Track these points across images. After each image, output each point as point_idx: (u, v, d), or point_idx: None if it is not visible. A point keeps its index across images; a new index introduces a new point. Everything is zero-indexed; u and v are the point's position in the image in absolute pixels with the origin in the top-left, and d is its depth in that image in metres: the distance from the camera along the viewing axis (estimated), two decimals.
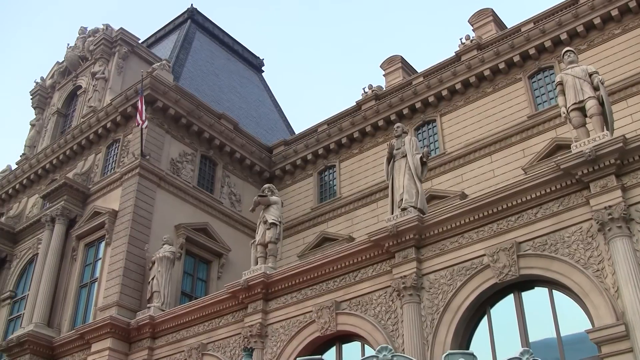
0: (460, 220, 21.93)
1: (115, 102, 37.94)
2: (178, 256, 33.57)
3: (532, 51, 33.20)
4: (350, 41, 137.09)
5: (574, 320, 19.14)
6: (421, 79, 37.09)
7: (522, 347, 18.53)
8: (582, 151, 19.47)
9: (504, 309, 20.78)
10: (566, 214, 20.03)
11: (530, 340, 19.69)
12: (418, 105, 36.51)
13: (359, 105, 39.45)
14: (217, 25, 57.10)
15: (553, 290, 19.96)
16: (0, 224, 41.02)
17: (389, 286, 22.89)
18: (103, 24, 43.58)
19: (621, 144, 19.09)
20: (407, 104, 36.81)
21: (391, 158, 24.90)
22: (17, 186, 43.61)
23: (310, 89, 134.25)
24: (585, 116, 20.94)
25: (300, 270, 25.43)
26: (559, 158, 20.36)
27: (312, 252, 35.74)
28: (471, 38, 36.77)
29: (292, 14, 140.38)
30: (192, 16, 54.63)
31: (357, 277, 24.08)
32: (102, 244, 34.76)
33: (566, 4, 33.23)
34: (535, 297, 20.33)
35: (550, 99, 32.09)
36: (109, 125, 38.39)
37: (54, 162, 41.39)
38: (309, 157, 40.50)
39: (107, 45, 42.34)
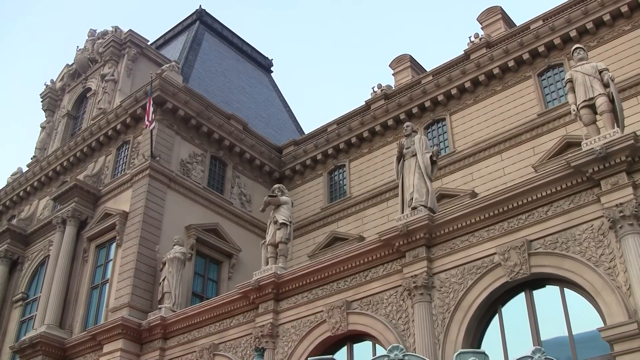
0: (470, 218, 21.88)
1: (124, 104, 38.06)
2: (189, 257, 33.62)
3: (541, 49, 33.10)
4: (358, 41, 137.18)
5: (585, 319, 19.06)
6: (430, 77, 37.03)
7: (534, 345, 18.47)
8: (592, 148, 19.39)
9: (515, 308, 20.72)
10: (577, 211, 19.95)
11: (542, 338, 19.63)
12: (427, 104, 36.46)
13: (368, 104, 39.42)
14: (226, 26, 57.18)
15: (564, 289, 19.89)
16: (12, 226, 41.18)
17: (400, 285, 22.87)
18: (112, 26, 43.73)
19: (632, 141, 19.00)
20: (416, 103, 36.76)
21: (401, 157, 24.87)
22: (28, 188, 43.82)
23: (319, 89, 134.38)
24: (596, 113, 20.87)
25: (310, 270, 25.43)
26: (569, 156, 20.29)
27: (323, 252, 35.73)
28: (480, 36, 36.69)
29: (301, 14, 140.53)
30: (201, 17, 54.73)
31: (367, 276, 24.06)
32: (113, 246, 34.86)
33: (575, 1, 33.08)
34: (547, 296, 20.26)
35: (560, 97, 31.98)
36: (118, 127, 38.50)
37: (65, 164, 41.54)
38: (319, 157, 40.49)
39: (116, 47, 42.49)
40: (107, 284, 34.04)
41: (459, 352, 14.47)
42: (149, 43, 44.23)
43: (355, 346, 24.14)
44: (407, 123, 25.97)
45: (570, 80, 21.68)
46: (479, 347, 20.61)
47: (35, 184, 43.33)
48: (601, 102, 20.61)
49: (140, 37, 42.93)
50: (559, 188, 20.36)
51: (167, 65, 39.07)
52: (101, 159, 39.33)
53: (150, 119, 34.36)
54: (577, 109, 21.19)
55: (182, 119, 37.53)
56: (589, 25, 31.76)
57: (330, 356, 20.57)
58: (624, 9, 31.04)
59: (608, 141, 19.30)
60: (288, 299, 26.17)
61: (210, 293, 35.21)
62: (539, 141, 31.59)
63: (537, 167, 29.97)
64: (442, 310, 21.46)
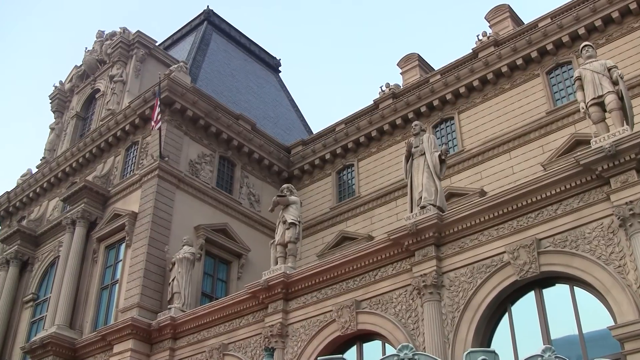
0: (479, 217, 21.85)
1: (133, 105, 38.15)
2: (198, 257, 33.68)
3: (549, 47, 33.01)
4: (366, 40, 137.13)
5: (595, 317, 19.00)
6: (438, 76, 36.99)
7: (544, 344, 18.41)
8: (601, 146, 19.32)
9: (525, 307, 20.68)
10: (586, 209, 19.88)
11: (552, 337, 19.59)
12: (436, 103, 36.42)
13: (376, 104, 39.40)
14: (234, 27, 57.25)
15: (574, 287, 19.84)
16: (22, 227, 41.33)
17: (409, 285, 22.85)
18: (120, 28, 43.83)
19: None
20: (424, 101, 36.73)
21: (410, 156, 24.85)
22: (37, 190, 43.97)
23: (327, 89, 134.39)
24: (605, 111, 20.81)
25: (320, 269, 25.44)
26: (578, 154, 20.23)
27: (332, 252, 35.74)
28: (488, 34, 36.61)
29: (308, 13, 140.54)
30: (209, 18, 54.80)
31: (377, 275, 24.05)
32: (123, 246, 34.95)
33: None
34: (557, 294, 20.22)
35: (569, 95, 31.89)
36: (127, 127, 38.60)
37: (74, 165, 41.67)
38: (327, 156, 40.49)
39: (124, 48, 42.60)
40: (117, 285, 34.15)
41: (468, 351, 14.43)
42: (157, 44, 44.33)
43: (365, 346, 24.13)
44: (416, 122, 25.95)
45: (579, 78, 21.62)
46: (488, 346, 20.58)
47: (45, 185, 43.48)
48: (610, 100, 20.55)
49: (148, 38, 43.02)
50: (568, 186, 20.30)
51: (175, 65, 39.14)
52: (110, 160, 39.44)
53: (156, 119, 34.46)
54: (586, 106, 21.12)
55: (190, 119, 37.59)
56: (598, 23, 31.66)
57: (340, 355, 20.53)
58: (633, 6, 30.92)
59: (617, 139, 19.23)
60: (297, 299, 26.18)
61: (220, 293, 35.26)
62: (547, 139, 31.51)
63: (546, 166, 29.90)
64: (452, 309, 21.44)
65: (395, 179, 36.15)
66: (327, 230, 38.47)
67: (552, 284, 20.40)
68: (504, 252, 20.95)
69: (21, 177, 45.92)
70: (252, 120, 41.41)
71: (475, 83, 35.21)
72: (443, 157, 24.39)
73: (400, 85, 40.98)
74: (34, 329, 38.37)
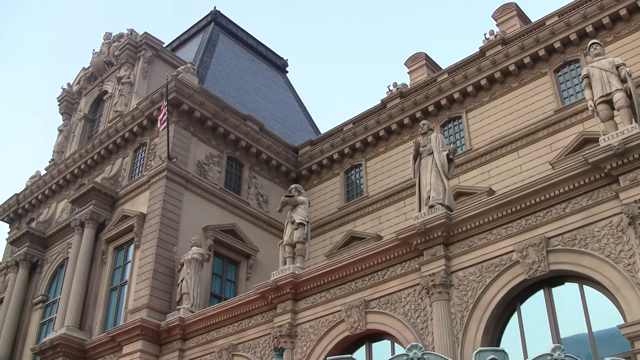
0: (488, 216, 21.82)
1: (141, 106, 38.23)
2: (206, 258, 33.71)
3: (557, 45, 32.92)
4: (373, 39, 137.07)
5: (605, 316, 18.95)
6: (446, 75, 36.96)
7: (553, 343, 18.37)
8: (610, 144, 19.26)
9: (534, 305, 20.64)
10: (595, 208, 19.83)
11: (561, 336, 19.54)
12: (443, 102, 36.39)
13: (384, 103, 39.39)
14: (241, 27, 57.29)
15: (583, 286, 19.79)
16: (31, 229, 41.46)
17: (418, 284, 22.84)
18: (127, 29, 43.95)
19: None
20: (432, 101, 36.70)
21: (417, 156, 24.83)
22: (46, 191, 44.11)
23: (335, 89, 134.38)
24: (613, 109, 20.73)
25: (328, 269, 25.44)
26: (587, 152, 20.17)
27: (340, 252, 35.75)
28: (495, 33, 36.55)
29: (315, 13, 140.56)
30: (216, 19, 54.86)
31: (385, 275, 24.04)
32: (131, 247, 35.04)
33: None
34: (566, 293, 20.17)
35: (577, 93, 31.81)
36: (135, 129, 38.68)
37: (82, 167, 41.79)
38: (335, 156, 40.50)
39: (132, 49, 42.69)
40: (126, 286, 34.24)
41: (478, 350, 14.40)
42: (164, 45, 44.40)
43: (374, 345, 24.12)
44: (423, 121, 25.93)
45: (587, 76, 21.55)
46: (498, 345, 20.55)
47: (54, 187, 43.63)
48: (619, 98, 20.47)
49: (156, 39, 43.11)
50: (576, 185, 20.25)
51: (183, 67, 39.20)
52: (118, 162, 39.53)
53: (161, 120, 34.54)
54: (594, 104, 21.06)
55: (198, 120, 37.64)
56: (605, 20, 31.55)
57: (349, 355, 20.53)
58: None
59: (626, 137, 19.16)
60: (306, 299, 26.19)
61: (229, 294, 35.30)
62: (555, 138, 31.44)
63: (555, 164, 29.83)
64: (461, 308, 21.41)
65: (403, 178, 36.13)
66: (336, 230, 38.47)
67: (562, 283, 20.35)
68: (513, 251, 20.91)
69: (30, 179, 46.07)
70: (260, 120, 41.45)
71: (483, 82, 35.16)
72: (451, 156, 24.36)
73: (408, 84, 40.96)
74: (43, 330, 38.51)
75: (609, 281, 18.75)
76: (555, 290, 20.39)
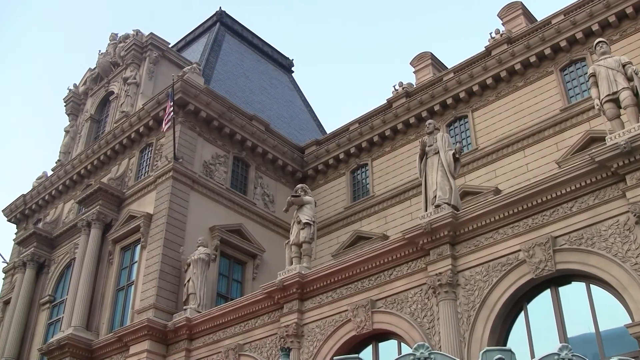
0: (494, 215, 21.78)
1: (147, 107, 38.29)
2: (213, 258, 33.75)
3: (563, 43, 32.85)
4: (379, 39, 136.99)
5: (612, 315, 18.91)
6: (451, 74, 36.93)
7: (560, 342, 18.34)
8: (617, 143, 19.21)
9: (541, 305, 20.60)
10: (602, 207, 19.78)
11: (569, 335, 19.50)
12: (449, 101, 36.35)
13: (389, 103, 39.37)
14: (246, 27, 57.34)
15: (590, 285, 19.74)
16: (38, 229, 41.58)
17: (424, 283, 22.82)
18: (133, 30, 43.99)
19: None
20: (438, 100, 36.67)
21: (423, 155, 24.81)
22: (53, 192, 44.22)
23: (341, 88, 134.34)
24: (620, 107, 20.68)
25: (335, 269, 25.44)
26: (593, 151, 20.13)
27: (346, 251, 35.75)
28: (501, 32, 36.49)
29: (321, 13, 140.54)
30: (221, 19, 54.92)
31: (392, 275, 24.03)
32: (138, 247, 35.10)
33: None
34: (573, 292, 20.13)
35: (583, 92, 31.74)
36: (141, 129, 38.75)
37: (89, 167, 41.88)
38: (341, 156, 40.50)
39: (137, 50, 42.76)
40: (133, 286, 34.29)
41: (485, 349, 14.38)
42: (170, 46, 44.45)
43: (381, 345, 24.12)
44: (429, 121, 25.91)
45: (593, 75, 21.51)
46: (505, 344, 20.52)
47: (60, 187, 43.74)
48: (625, 96, 20.42)
49: (162, 40, 43.17)
50: (583, 184, 20.20)
51: (189, 67, 39.25)
52: (125, 162, 39.60)
53: (166, 120, 34.59)
54: (601, 103, 21.01)
55: (204, 120, 37.68)
56: (612, 19, 31.46)
57: (356, 355, 20.53)
58: None
59: (633, 135, 19.10)
60: (312, 299, 26.20)
61: (235, 294, 35.34)
62: (562, 137, 31.38)
63: (561, 163, 29.77)
64: (467, 308, 21.39)
65: (410, 178, 36.11)
66: (342, 230, 38.48)
67: (568, 282, 20.31)
68: (520, 250, 20.88)
69: (37, 179, 46.19)
70: (266, 120, 41.48)
71: (489, 81, 35.11)
72: (457, 156, 24.33)
73: (414, 84, 40.94)
74: (51, 330, 38.63)
75: (616, 280, 18.71)
76: (562, 290, 20.35)
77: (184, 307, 31.17)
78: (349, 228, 38.08)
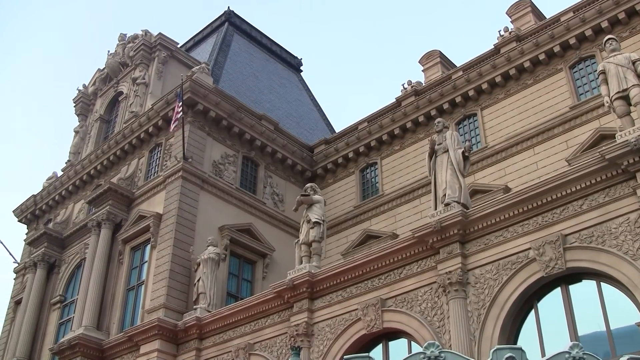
0: (504, 214, 21.74)
1: (156, 107, 38.36)
2: (223, 257, 33.79)
3: (572, 41, 32.74)
4: (388, 37, 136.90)
5: (623, 313, 18.84)
6: (460, 73, 36.86)
7: (571, 341, 18.30)
8: (627, 140, 19.13)
9: (551, 303, 20.55)
10: (612, 204, 19.71)
11: (579, 334, 19.45)
12: (458, 99, 36.30)
13: (398, 101, 39.33)
14: (255, 27, 57.37)
15: (601, 283, 19.68)
16: (49, 230, 41.72)
17: (434, 282, 22.79)
18: (142, 30, 44.09)
19: None
20: (447, 98, 36.61)
21: (433, 153, 24.78)
22: (63, 192, 44.37)
23: (350, 87, 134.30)
24: (630, 105, 20.60)
25: (344, 268, 25.44)
26: (603, 148, 20.05)
27: (356, 250, 35.76)
28: (510, 30, 36.42)
29: (329, 12, 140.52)
30: (230, 19, 54.96)
31: (402, 273, 24.01)
32: (148, 247, 35.17)
33: None
34: (583, 290, 20.07)
35: (593, 89, 31.63)
36: (150, 129, 38.83)
37: (98, 167, 41.99)
38: (350, 155, 40.49)
39: (146, 50, 42.85)
40: (143, 286, 34.39)
41: (495, 348, 14.37)
42: (178, 46, 44.53)
43: (391, 344, 24.11)
44: (438, 119, 25.87)
45: (603, 72, 21.42)
46: (515, 343, 20.47)
47: (70, 187, 43.87)
48: (635, 93, 20.34)
49: (170, 40, 43.25)
50: (593, 181, 20.13)
51: (197, 67, 39.30)
52: (134, 162, 39.69)
53: (174, 119, 34.66)
54: (611, 100, 20.93)
55: (213, 120, 37.73)
56: (621, 15, 31.33)
57: (366, 354, 20.52)
58: None
59: None
60: (322, 298, 26.21)
61: (245, 293, 35.38)
62: (572, 134, 31.29)
63: (571, 161, 29.68)
64: (478, 306, 21.35)
65: (419, 176, 36.08)
66: (351, 228, 38.47)
67: (579, 280, 20.25)
68: (530, 248, 20.83)
69: (47, 180, 46.36)
70: (275, 120, 41.49)
71: (498, 79, 35.04)
72: (466, 154, 24.28)
73: (422, 82, 40.88)
74: (61, 330, 38.76)
75: (627, 278, 18.64)
76: (573, 288, 20.29)
77: (194, 307, 31.23)
78: (359, 227, 38.07)
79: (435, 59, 42.85)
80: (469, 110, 36.14)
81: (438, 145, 24.72)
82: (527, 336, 20.58)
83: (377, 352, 24.04)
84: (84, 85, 48.31)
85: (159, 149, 38.55)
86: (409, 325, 22.96)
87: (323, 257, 28.89)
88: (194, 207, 35.01)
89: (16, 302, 42.95)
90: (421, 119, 37.52)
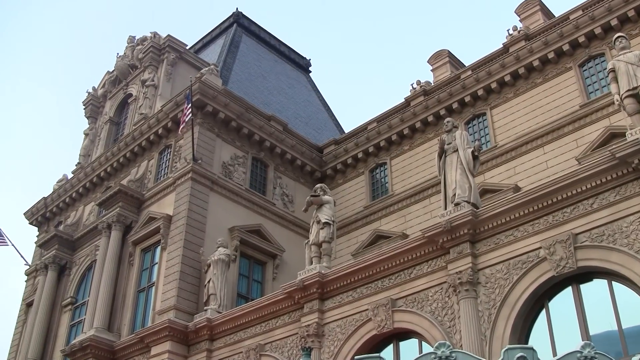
0: (514, 213, 21.69)
1: (165, 109, 38.43)
2: (233, 258, 33.84)
3: (581, 39, 32.63)
4: (396, 37, 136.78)
5: (635, 312, 18.77)
6: (469, 72, 36.79)
7: (583, 340, 18.23)
8: (637, 139, 19.08)
9: (562, 302, 20.49)
10: (623, 203, 19.64)
11: (591, 333, 19.38)
12: (467, 99, 36.23)
13: (407, 101, 39.29)
14: (263, 28, 57.41)
15: (612, 282, 19.62)
16: (59, 232, 41.86)
17: (445, 282, 22.77)
18: (151, 32, 44.19)
19: None
20: (456, 98, 36.55)
21: (442, 153, 24.77)
22: (73, 195, 44.51)
23: (358, 87, 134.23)
24: None
25: (355, 268, 25.44)
26: (613, 147, 19.99)
27: (366, 251, 35.73)
28: (519, 29, 36.34)
29: (337, 12, 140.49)
30: (238, 20, 55.00)
31: (412, 273, 24.00)
32: (158, 249, 35.25)
33: None
34: (594, 289, 20.01)
35: (602, 87, 31.51)
36: (160, 131, 38.91)
37: (108, 169, 42.11)
38: (360, 155, 40.47)
39: (155, 52, 42.94)
40: (153, 287, 34.45)
41: (506, 347, 14.35)
42: (187, 47, 44.61)
43: (401, 344, 24.09)
44: (448, 119, 25.85)
45: (613, 70, 21.37)
46: (526, 342, 20.43)
47: (81, 190, 44.01)
48: None
49: (179, 41, 43.33)
50: (604, 180, 20.07)
51: (206, 68, 39.35)
52: (144, 164, 39.78)
53: (184, 120, 34.73)
54: (621, 98, 20.88)
55: (222, 121, 37.77)
56: (631, 13, 31.19)
57: (377, 354, 20.53)
58: None
59: None
60: (333, 298, 26.21)
61: (255, 294, 35.40)
62: (581, 133, 31.18)
63: (581, 160, 29.58)
64: (488, 306, 21.31)
65: (429, 176, 36.03)
66: (361, 229, 38.45)
67: (590, 279, 20.20)
68: (540, 247, 20.78)
69: (57, 182, 46.50)
70: (284, 121, 41.52)
71: (507, 78, 34.95)
72: (476, 154, 24.26)
73: (431, 82, 40.84)
74: (73, 331, 38.90)
75: (638, 277, 18.57)
76: (584, 287, 20.23)
77: (205, 308, 31.29)
78: (369, 227, 38.05)
79: (444, 58, 42.79)
80: (478, 109, 36.08)
81: (447, 145, 24.70)
82: (538, 336, 20.52)
83: (387, 352, 24.04)
84: (94, 88, 48.47)
85: (169, 150, 38.63)
86: (420, 325, 22.94)
87: (333, 257, 28.92)
88: (203, 208, 35.07)
89: (27, 304, 43.15)
90: (430, 118, 37.48)
